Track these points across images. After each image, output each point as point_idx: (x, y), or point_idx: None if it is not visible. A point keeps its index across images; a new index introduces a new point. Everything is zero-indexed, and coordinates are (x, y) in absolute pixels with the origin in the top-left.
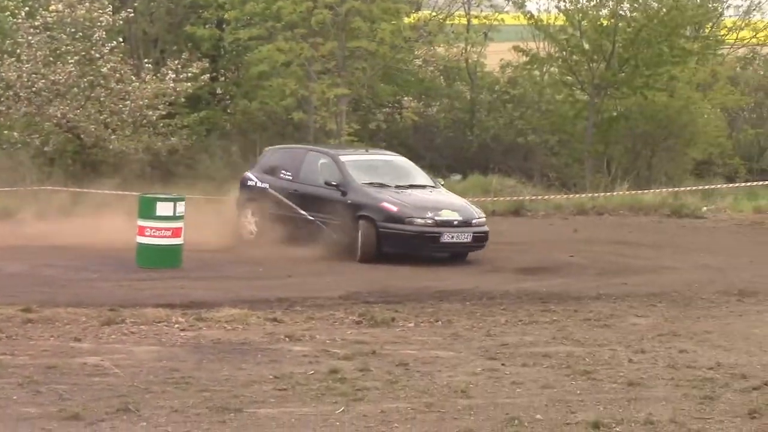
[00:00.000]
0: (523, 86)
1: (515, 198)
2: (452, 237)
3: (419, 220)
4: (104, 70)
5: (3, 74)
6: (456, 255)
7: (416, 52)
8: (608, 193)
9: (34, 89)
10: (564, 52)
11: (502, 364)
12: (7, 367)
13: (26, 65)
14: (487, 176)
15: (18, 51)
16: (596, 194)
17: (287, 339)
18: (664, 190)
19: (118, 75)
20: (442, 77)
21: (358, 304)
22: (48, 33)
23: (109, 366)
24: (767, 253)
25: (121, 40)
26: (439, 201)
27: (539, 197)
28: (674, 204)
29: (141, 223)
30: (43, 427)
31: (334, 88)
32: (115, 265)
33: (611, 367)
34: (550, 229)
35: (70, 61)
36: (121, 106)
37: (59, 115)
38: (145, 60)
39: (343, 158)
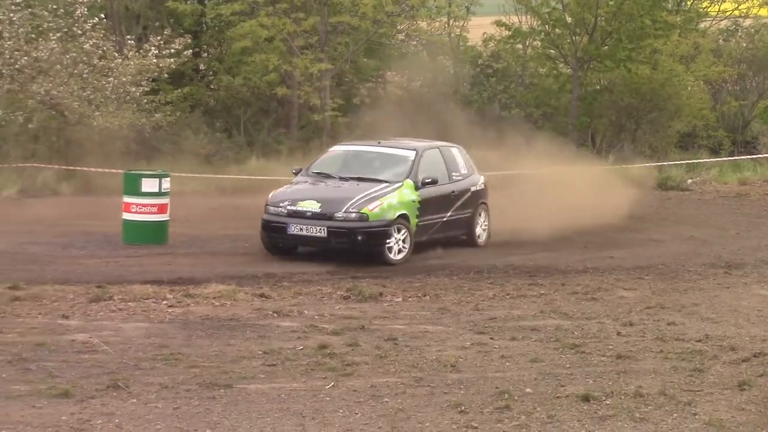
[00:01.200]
0: (507, 60)
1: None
2: (301, 229)
3: (272, 209)
4: (87, 46)
5: None
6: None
7: (399, 27)
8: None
9: (16, 66)
10: (547, 26)
11: (491, 338)
12: None
13: (8, 42)
14: (471, 149)
15: (0, 28)
16: None
17: (275, 314)
18: (650, 165)
19: (100, 51)
20: (425, 51)
21: (345, 279)
22: (30, 10)
23: (98, 343)
24: (753, 225)
25: (102, 16)
26: (324, 193)
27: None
28: (659, 176)
29: (126, 199)
30: (33, 404)
31: (317, 63)
32: (101, 241)
33: (600, 340)
34: (537, 202)
35: (52, 38)
36: (104, 82)
37: (42, 92)
38: (128, 36)
39: (334, 147)
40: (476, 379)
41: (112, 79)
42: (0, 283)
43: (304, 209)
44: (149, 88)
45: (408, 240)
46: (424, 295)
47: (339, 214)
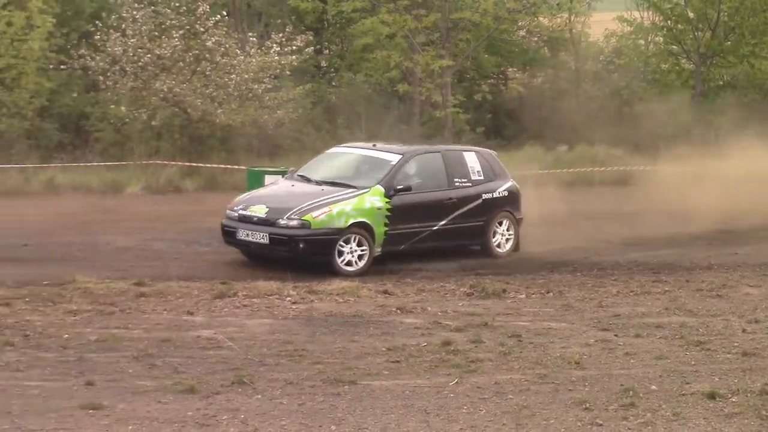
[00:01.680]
0: (628, 55)
1: (622, 168)
2: (247, 234)
3: (228, 212)
4: (209, 44)
5: (109, 49)
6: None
7: (519, 23)
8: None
9: (140, 64)
10: (669, 21)
11: (615, 335)
12: (122, 340)
13: (132, 40)
14: (594, 146)
15: (123, 26)
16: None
17: (399, 311)
18: None
19: (222, 49)
20: (546, 48)
21: (468, 276)
22: (152, 8)
23: (223, 339)
24: None
25: (225, 13)
26: (278, 198)
27: (646, 167)
28: None
29: None
30: (159, 400)
31: (438, 60)
32: None
33: (725, 337)
34: (658, 199)
35: (174, 36)
36: (226, 79)
37: (165, 90)
38: (250, 34)
39: (332, 148)
40: (601, 377)
41: (234, 76)
42: (126, 280)
43: (252, 214)
44: (271, 85)
45: (367, 249)
46: (548, 292)
47: (281, 221)
